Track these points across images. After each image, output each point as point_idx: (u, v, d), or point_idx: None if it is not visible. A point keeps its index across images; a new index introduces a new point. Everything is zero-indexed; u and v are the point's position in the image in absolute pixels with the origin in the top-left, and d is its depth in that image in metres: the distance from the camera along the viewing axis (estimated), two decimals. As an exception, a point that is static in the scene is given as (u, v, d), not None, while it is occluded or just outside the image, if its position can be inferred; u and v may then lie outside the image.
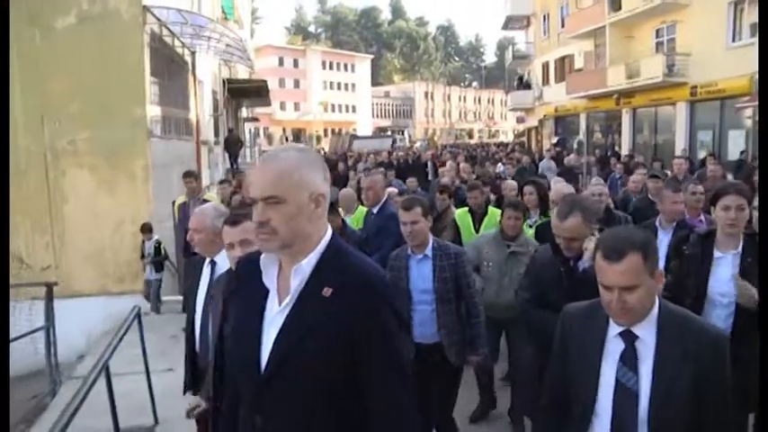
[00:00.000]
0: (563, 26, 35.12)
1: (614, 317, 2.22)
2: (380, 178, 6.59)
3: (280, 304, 1.88)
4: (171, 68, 12.10)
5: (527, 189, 6.47)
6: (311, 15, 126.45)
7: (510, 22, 44.28)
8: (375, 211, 6.16)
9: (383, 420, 1.84)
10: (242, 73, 25.73)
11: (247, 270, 2.01)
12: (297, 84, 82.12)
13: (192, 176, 8.69)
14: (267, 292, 1.93)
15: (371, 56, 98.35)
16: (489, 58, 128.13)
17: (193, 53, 13.88)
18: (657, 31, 27.24)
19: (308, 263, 1.88)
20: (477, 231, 6.42)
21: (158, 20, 10.60)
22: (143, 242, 9.45)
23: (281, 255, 1.91)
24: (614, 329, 2.26)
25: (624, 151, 27.44)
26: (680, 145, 25.22)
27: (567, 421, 2.39)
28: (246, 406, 1.94)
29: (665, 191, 5.28)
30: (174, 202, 8.99)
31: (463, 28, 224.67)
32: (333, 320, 1.79)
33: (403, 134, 62.65)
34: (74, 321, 8.80)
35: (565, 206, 3.50)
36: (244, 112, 31.12)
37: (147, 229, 9.42)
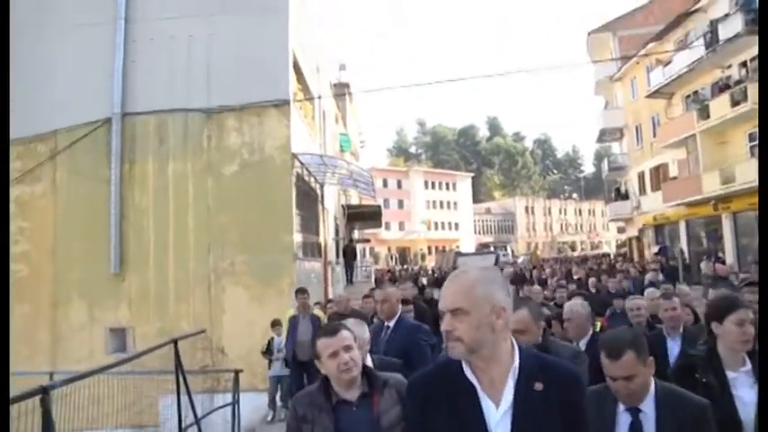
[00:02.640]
0: (655, 136, 35.76)
1: (621, 400, 2.88)
2: (395, 291, 5.96)
3: (497, 406, 2.10)
4: (307, 201, 14.48)
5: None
6: (412, 137, 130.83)
7: (604, 135, 45.34)
8: (391, 324, 5.43)
9: None
10: (354, 198, 28.21)
11: (428, 388, 2.23)
12: (401, 204, 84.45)
13: (304, 293, 9.77)
14: (475, 398, 2.12)
15: (471, 173, 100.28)
16: (588, 168, 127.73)
17: (322, 185, 16.35)
18: (750, 135, 27.43)
19: (514, 369, 2.13)
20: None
21: (302, 163, 13.05)
22: (271, 339, 10.12)
23: (469, 360, 2.14)
24: (622, 405, 2.88)
25: (729, 258, 27.34)
26: (782, 247, 25.11)
27: None
28: None
29: (660, 299, 5.46)
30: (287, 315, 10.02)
31: (560, 140, 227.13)
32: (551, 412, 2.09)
33: (506, 249, 63.18)
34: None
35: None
36: (356, 234, 33.64)
37: (277, 323, 10.08)
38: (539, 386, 2.09)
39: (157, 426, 10.15)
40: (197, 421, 7.63)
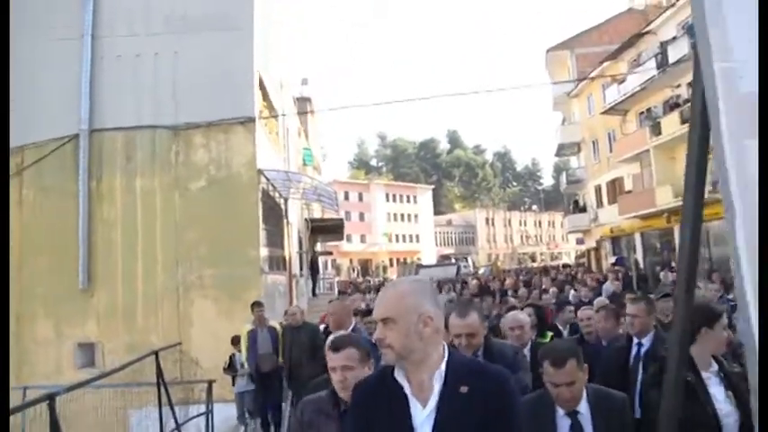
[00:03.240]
0: (611, 151, 36.91)
1: (564, 404, 3.23)
2: (347, 304, 6.49)
3: (424, 407, 2.22)
4: (273, 215, 14.75)
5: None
6: (373, 150, 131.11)
7: (562, 149, 46.44)
8: None
9: None
10: (317, 211, 28.49)
11: (366, 391, 2.39)
12: (362, 216, 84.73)
13: (261, 306, 10.12)
14: (404, 401, 2.25)
15: (432, 186, 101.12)
16: (547, 181, 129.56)
17: (286, 200, 16.63)
18: (698, 152, 28.61)
19: (442, 371, 2.26)
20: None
21: (268, 179, 13.34)
22: (233, 355, 10.37)
23: (401, 365, 2.29)
24: (561, 410, 3.23)
25: (680, 267, 28.29)
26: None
27: None
28: None
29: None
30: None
31: (520, 153, 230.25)
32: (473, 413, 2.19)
33: (467, 261, 63.85)
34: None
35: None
36: (318, 246, 33.89)
37: (237, 340, 10.21)
38: (464, 389, 2.21)
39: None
40: (178, 428, 7.84)
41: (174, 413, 7.97)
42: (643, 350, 4.86)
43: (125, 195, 12.34)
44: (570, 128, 43.84)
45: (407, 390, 2.26)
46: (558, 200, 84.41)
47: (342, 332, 4.68)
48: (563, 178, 48.62)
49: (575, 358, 3.20)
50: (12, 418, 6.56)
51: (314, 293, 23.39)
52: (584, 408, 3.21)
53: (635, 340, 4.94)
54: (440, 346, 2.31)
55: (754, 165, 2.00)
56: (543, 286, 17.33)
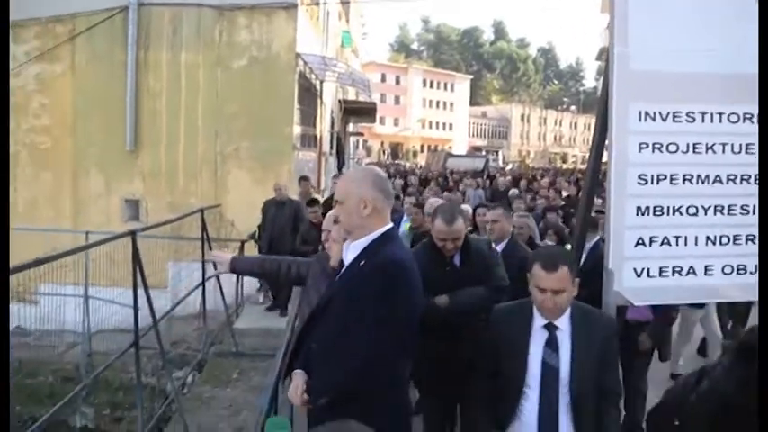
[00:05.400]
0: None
1: (546, 313, 2.94)
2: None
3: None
4: (308, 96, 15.60)
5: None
6: (415, 33, 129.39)
7: (604, 53, 45.60)
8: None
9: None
10: (351, 93, 29.14)
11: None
12: (397, 100, 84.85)
13: (307, 180, 11.26)
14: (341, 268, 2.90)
15: (471, 76, 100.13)
16: (589, 82, 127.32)
17: (322, 82, 17.45)
18: None
19: (359, 244, 2.81)
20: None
21: (305, 62, 14.13)
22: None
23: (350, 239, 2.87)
24: (539, 322, 2.97)
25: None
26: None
27: (502, 399, 3.05)
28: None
29: None
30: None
31: (564, 51, 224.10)
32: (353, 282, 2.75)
33: (496, 155, 64.06)
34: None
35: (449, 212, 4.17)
36: (350, 127, 34.73)
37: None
38: (362, 263, 2.74)
39: (165, 287, 11.56)
40: (216, 276, 9.07)
41: (214, 265, 9.14)
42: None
43: (170, 68, 13.13)
44: (615, 31, 42.93)
45: (345, 259, 2.89)
46: (597, 103, 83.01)
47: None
48: (601, 82, 47.88)
49: (567, 265, 2.88)
50: (75, 257, 7.82)
51: (339, 171, 24.43)
52: (564, 323, 2.95)
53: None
54: (380, 224, 2.81)
55: (633, 118, 2.99)
56: (566, 194, 16.15)
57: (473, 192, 17.41)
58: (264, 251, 10.03)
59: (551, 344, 2.92)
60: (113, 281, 8.55)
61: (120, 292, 8.61)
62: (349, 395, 2.60)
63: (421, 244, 4.48)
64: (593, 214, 4.45)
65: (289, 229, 9.91)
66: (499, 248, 4.93)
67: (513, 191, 14.93)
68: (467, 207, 8.18)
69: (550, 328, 2.94)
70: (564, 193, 15.71)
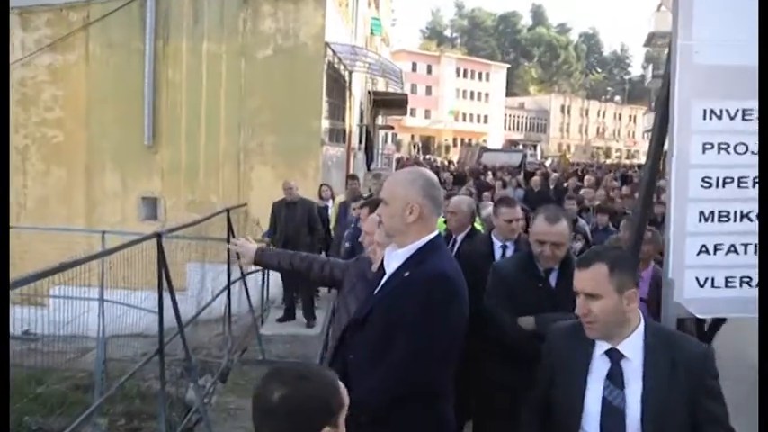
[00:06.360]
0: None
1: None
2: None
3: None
4: (336, 87, 15.66)
5: None
6: (448, 19, 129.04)
7: (653, 39, 45.07)
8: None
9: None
10: (380, 84, 29.16)
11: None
12: (429, 91, 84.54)
13: (355, 179, 11.13)
14: (383, 273, 2.94)
15: (508, 65, 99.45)
16: (636, 70, 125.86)
17: (350, 72, 17.51)
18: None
19: (403, 253, 2.81)
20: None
21: (334, 52, 14.19)
22: None
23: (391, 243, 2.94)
24: (600, 348, 2.49)
25: None
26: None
27: None
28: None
29: None
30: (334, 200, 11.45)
31: (608, 37, 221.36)
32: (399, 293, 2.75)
33: (535, 149, 63.51)
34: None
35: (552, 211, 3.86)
36: (380, 120, 34.77)
37: None
38: (406, 274, 2.75)
39: (184, 290, 11.68)
40: (243, 278, 9.17)
41: (241, 269, 9.27)
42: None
43: (191, 58, 13.27)
44: (665, 16, 42.30)
45: (386, 266, 2.91)
46: (644, 93, 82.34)
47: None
48: (648, 72, 47.22)
49: (606, 264, 2.53)
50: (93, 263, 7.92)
51: (368, 168, 24.50)
52: (632, 351, 2.46)
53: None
54: (421, 234, 2.81)
55: (697, 116, 2.94)
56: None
57: (513, 191, 17.13)
58: None
59: (614, 377, 2.45)
60: (129, 283, 8.63)
61: (135, 295, 8.80)
62: (389, 411, 2.61)
63: (515, 254, 4.34)
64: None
65: (304, 230, 9.93)
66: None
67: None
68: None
69: (613, 355, 2.47)
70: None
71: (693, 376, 2.37)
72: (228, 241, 8.95)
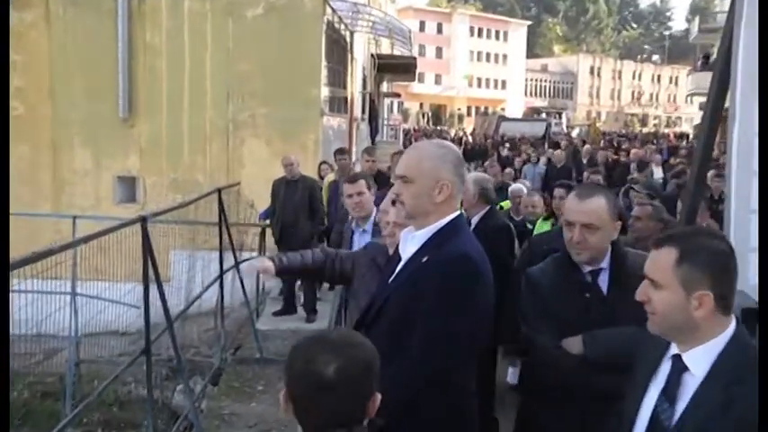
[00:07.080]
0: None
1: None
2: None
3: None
4: (337, 51, 15.61)
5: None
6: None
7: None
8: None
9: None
10: (384, 46, 29.05)
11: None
12: (439, 53, 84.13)
13: (344, 154, 10.86)
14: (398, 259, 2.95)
15: (528, 22, 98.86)
16: (678, 24, 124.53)
17: (352, 34, 17.44)
18: None
19: (421, 235, 2.82)
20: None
21: (333, 10, 14.12)
22: None
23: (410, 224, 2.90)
24: (672, 350, 2.30)
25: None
26: None
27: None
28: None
29: None
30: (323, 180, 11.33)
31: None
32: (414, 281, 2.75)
33: (560, 117, 62.80)
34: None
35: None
36: (384, 87, 34.64)
37: None
38: (424, 259, 2.74)
39: (168, 281, 11.66)
40: (237, 265, 9.10)
41: (234, 254, 9.19)
42: None
43: (171, 18, 13.19)
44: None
45: (402, 251, 2.94)
46: (688, 51, 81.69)
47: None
48: (693, 26, 46.39)
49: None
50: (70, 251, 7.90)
51: (372, 141, 24.36)
52: (699, 364, 2.18)
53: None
54: (446, 215, 2.80)
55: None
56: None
57: (532, 168, 16.90)
58: (276, 240, 10.06)
59: (669, 388, 2.25)
60: (105, 275, 8.56)
61: (113, 288, 8.72)
62: (405, 413, 2.60)
63: (551, 258, 3.47)
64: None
65: (304, 214, 9.80)
66: None
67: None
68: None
69: (676, 363, 2.26)
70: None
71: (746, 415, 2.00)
72: (221, 226, 8.97)
